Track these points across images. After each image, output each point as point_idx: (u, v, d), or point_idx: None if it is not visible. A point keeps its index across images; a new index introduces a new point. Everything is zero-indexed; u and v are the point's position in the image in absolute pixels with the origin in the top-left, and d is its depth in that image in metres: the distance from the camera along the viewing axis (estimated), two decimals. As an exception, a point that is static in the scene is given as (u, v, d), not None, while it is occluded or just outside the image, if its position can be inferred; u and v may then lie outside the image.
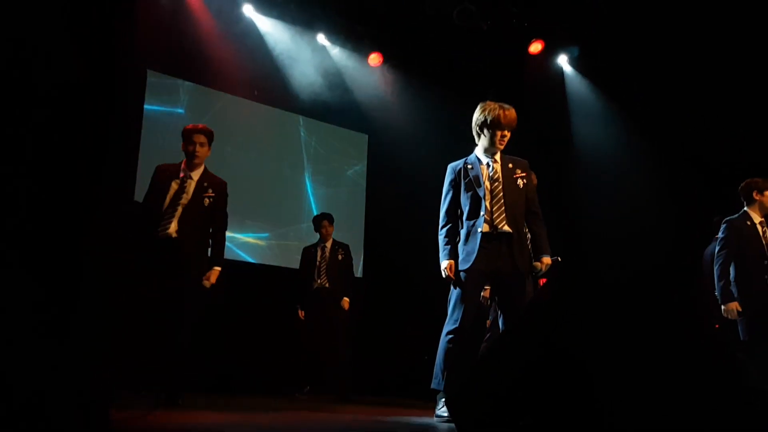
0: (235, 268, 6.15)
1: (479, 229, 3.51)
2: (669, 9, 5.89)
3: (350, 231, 7.30)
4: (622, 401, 1.88)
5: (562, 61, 7.50)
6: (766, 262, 4.32)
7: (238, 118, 6.73)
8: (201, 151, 3.94)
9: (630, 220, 6.39)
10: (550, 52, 7.35)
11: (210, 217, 3.92)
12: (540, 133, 7.10)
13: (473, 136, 3.76)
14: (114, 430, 2.07)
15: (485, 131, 3.64)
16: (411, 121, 7.25)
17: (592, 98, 7.39)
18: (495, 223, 3.51)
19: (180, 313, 3.73)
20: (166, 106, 6.26)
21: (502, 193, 3.58)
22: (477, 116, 3.69)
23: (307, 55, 6.83)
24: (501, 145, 3.65)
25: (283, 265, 6.67)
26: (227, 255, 4.20)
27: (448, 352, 3.47)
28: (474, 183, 3.61)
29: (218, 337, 5.53)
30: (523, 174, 3.70)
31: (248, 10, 6.53)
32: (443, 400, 3.54)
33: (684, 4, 5.76)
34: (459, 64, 7.24)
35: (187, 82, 6.41)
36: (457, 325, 3.46)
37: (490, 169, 3.64)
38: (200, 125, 4.04)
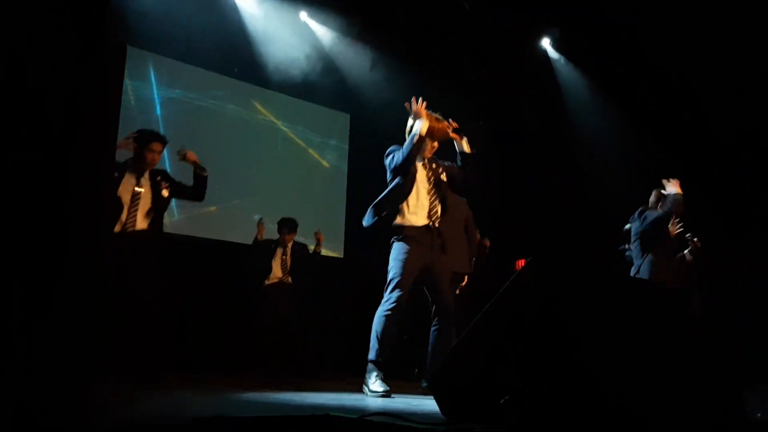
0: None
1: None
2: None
3: (331, 210, 7.31)
4: (598, 379, 1.93)
5: (546, 44, 7.50)
6: None
7: (213, 95, 6.65)
8: (157, 159, 4.07)
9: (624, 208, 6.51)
10: (532, 36, 7.36)
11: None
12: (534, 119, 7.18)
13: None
14: (97, 408, 2.07)
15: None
16: (394, 100, 7.21)
17: (581, 83, 7.43)
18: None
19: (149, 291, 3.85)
20: (137, 80, 6.16)
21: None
22: (409, 123, 3.84)
23: (287, 32, 6.73)
24: (429, 154, 3.88)
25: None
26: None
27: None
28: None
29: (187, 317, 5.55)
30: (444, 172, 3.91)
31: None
32: (375, 373, 3.56)
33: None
34: (445, 45, 7.20)
35: (159, 56, 6.30)
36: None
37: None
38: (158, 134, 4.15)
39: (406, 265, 3.68)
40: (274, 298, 5.76)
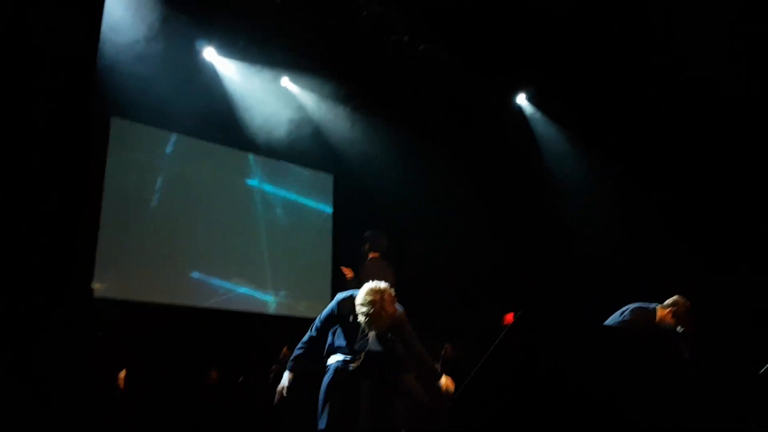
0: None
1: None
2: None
3: (318, 270, 7.26)
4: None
5: (521, 100, 7.70)
6: None
7: (198, 162, 6.70)
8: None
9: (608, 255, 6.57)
10: (508, 92, 7.56)
11: None
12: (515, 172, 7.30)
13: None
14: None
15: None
16: (376, 159, 7.31)
17: (557, 136, 7.61)
18: None
19: None
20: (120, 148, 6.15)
21: None
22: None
23: (269, 96, 6.85)
24: None
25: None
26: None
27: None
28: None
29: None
30: None
31: (210, 54, 6.54)
32: None
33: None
34: (423, 105, 7.36)
35: (142, 125, 6.34)
36: None
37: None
38: None
39: None
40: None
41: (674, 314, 4.47)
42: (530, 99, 7.69)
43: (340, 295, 3.71)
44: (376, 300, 3.39)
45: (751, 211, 6.00)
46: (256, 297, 6.76)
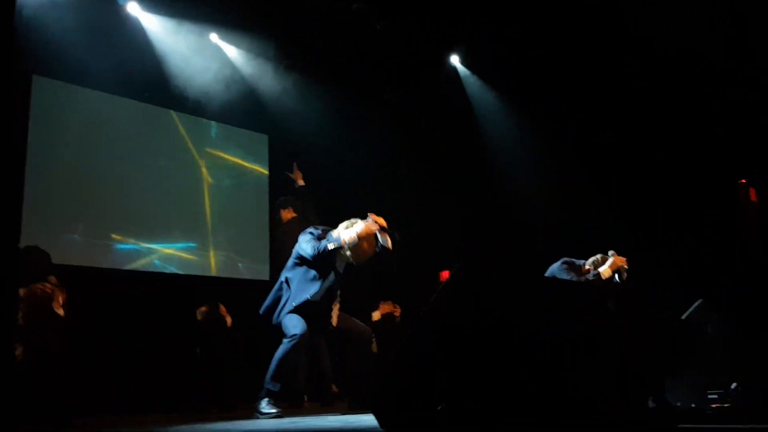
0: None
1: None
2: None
3: (255, 236, 7.20)
4: (529, 375, 2.00)
5: (455, 60, 7.75)
6: None
7: (127, 121, 6.45)
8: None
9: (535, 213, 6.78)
10: (442, 52, 7.59)
11: None
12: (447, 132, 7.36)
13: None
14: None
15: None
16: (312, 120, 7.23)
17: (490, 96, 7.72)
18: None
19: None
20: (44, 108, 5.86)
21: None
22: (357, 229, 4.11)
23: (200, 54, 6.63)
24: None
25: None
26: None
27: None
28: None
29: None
30: None
31: (134, 9, 6.24)
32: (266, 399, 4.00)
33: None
34: (357, 64, 7.30)
35: (67, 84, 6.05)
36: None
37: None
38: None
39: None
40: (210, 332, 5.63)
41: (597, 266, 4.82)
42: (463, 60, 7.76)
43: None
44: None
45: (675, 167, 6.29)
46: (191, 259, 6.65)
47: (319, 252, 4.05)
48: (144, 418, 4.58)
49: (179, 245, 6.61)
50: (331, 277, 4.21)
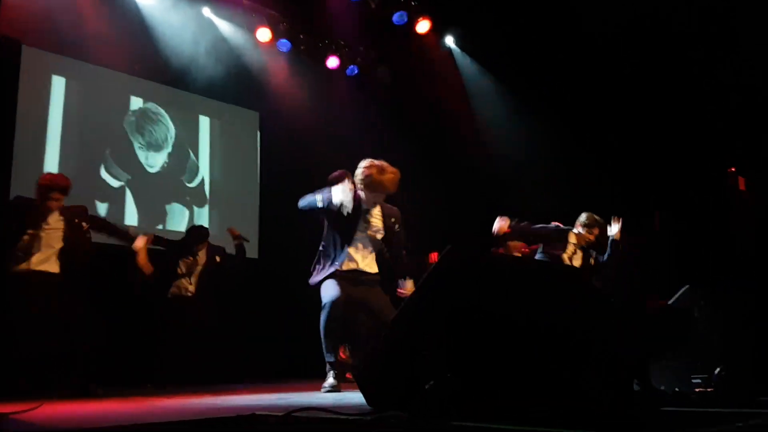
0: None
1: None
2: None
3: (244, 210, 7.17)
4: (517, 358, 2.01)
5: (449, 41, 7.72)
6: None
7: (119, 94, 6.39)
8: (56, 205, 4.11)
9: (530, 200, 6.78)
10: (437, 33, 7.54)
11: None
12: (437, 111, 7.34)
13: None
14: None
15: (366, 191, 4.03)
16: (303, 97, 7.19)
17: (483, 78, 7.71)
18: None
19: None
20: (35, 79, 5.78)
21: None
22: (359, 174, 4.04)
23: (191, 28, 6.54)
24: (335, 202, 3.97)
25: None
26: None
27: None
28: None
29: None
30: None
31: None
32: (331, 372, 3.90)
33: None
34: (350, 42, 7.24)
35: (58, 55, 5.97)
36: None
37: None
38: (58, 181, 4.14)
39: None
40: (193, 307, 5.55)
41: (584, 226, 5.06)
42: (457, 42, 7.73)
43: None
44: None
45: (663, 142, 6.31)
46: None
47: (307, 206, 4.04)
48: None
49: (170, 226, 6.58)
50: (361, 245, 4.09)
